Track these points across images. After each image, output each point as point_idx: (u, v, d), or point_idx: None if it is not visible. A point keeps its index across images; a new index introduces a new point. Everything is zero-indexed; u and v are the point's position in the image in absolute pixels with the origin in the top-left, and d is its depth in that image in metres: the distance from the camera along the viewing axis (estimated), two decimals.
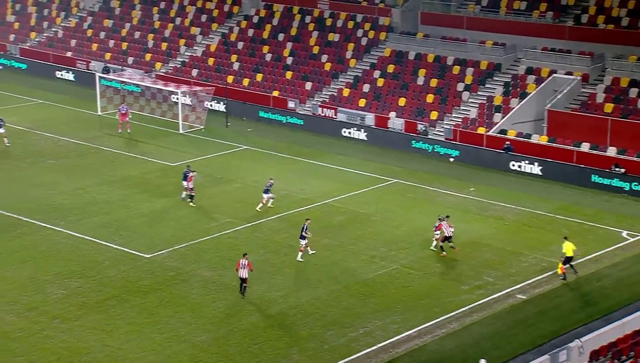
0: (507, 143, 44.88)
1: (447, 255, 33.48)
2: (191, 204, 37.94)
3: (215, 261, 32.84)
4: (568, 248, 31.81)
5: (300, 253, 32.87)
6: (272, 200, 37.76)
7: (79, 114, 52.62)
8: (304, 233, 32.74)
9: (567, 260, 31.91)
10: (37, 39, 65.02)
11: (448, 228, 33.38)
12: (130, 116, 49.20)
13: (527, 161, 44.01)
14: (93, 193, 39.55)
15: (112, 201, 38.65)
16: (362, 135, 49.09)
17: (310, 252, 33.10)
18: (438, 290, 31.09)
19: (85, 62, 60.08)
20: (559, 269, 31.98)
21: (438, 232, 33.67)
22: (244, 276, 29.48)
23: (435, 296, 30.57)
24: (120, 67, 58.11)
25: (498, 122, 47.08)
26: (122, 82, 54.74)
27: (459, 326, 28.58)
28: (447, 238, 33.45)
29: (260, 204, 37.57)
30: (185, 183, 38.28)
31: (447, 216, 33.92)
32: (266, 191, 37.58)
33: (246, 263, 29.52)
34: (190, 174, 38.20)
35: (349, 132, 49.49)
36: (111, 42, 61.99)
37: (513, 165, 44.35)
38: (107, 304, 29.27)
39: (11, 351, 26.23)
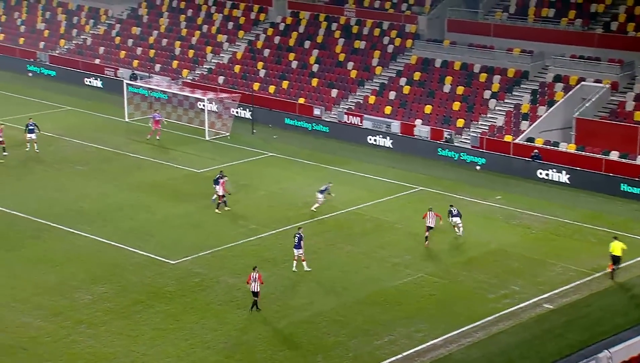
0: (535, 151, 44.51)
1: (474, 263, 33.27)
2: (217, 211, 38.04)
3: (239, 268, 32.89)
4: (615, 247, 31.78)
5: (295, 262, 32.38)
6: (318, 203, 38.01)
7: (106, 121, 53.14)
8: (296, 243, 32.04)
9: (616, 259, 31.72)
10: (66, 47, 65.82)
11: (432, 218, 34.38)
12: (165, 123, 49.52)
13: (554, 170, 43.61)
14: (119, 199, 39.86)
15: (137, 207, 38.91)
16: (387, 143, 48.98)
17: (306, 269, 32.31)
18: (464, 299, 30.85)
19: (113, 70, 60.68)
20: (609, 267, 32.04)
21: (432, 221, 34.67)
22: (256, 290, 28.97)
23: (461, 305, 30.34)
24: (147, 74, 58.60)
25: (525, 131, 46.73)
26: (150, 89, 55.18)
27: (485, 335, 28.33)
28: (428, 228, 34.47)
29: (316, 204, 38.01)
30: (217, 187, 38.47)
31: (430, 208, 35.08)
32: (321, 192, 37.99)
33: (257, 277, 28.95)
34: (223, 179, 38.32)
35: (375, 140, 49.41)
36: (139, 50, 62.57)
37: (540, 173, 43.97)
38: (132, 310, 29.43)
39: (39, 356, 26.47)
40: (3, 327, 28.08)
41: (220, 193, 38.05)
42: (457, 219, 35.56)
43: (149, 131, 49.51)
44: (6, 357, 26.35)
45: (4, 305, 29.57)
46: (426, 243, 34.70)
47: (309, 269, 32.38)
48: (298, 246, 32.27)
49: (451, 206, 36.14)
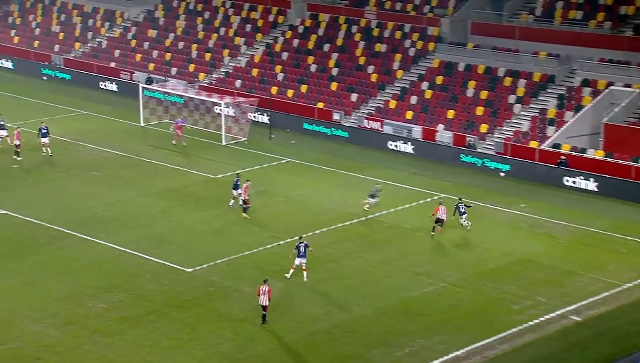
0: (563, 157, 44.25)
1: (492, 272, 33.16)
2: (244, 215, 38.16)
3: (256, 276, 32.92)
4: None
5: (291, 271, 32.32)
6: (369, 204, 38.73)
7: (121, 126, 53.52)
8: (302, 252, 31.91)
9: None
10: (81, 50, 66.42)
11: (443, 213, 35.87)
12: (188, 128, 49.67)
13: (581, 177, 43.33)
14: (135, 205, 40.10)
15: (153, 213, 39.13)
16: (408, 148, 48.92)
17: (305, 280, 32.19)
18: (487, 310, 30.71)
19: (128, 73, 61.14)
20: None
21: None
22: (265, 304, 28.76)
23: (484, 316, 30.21)
24: (163, 77, 58.98)
25: (551, 136, 46.51)
26: (166, 93, 55.54)
27: (509, 347, 28.18)
28: (438, 220, 36.12)
29: (368, 204, 38.60)
30: (235, 191, 38.62)
31: (441, 202, 36.86)
32: (372, 196, 38.56)
33: (267, 290, 28.62)
34: (246, 184, 38.38)
35: (396, 146, 49.37)
36: (155, 53, 63.01)
37: (567, 181, 43.71)
38: (147, 319, 29.58)
39: None
40: (16, 336, 28.32)
41: (245, 197, 38.12)
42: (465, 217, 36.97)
43: (171, 136, 49.65)
44: None
45: (17, 313, 29.83)
46: (433, 233, 36.17)
47: (307, 280, 32.15)
48: (303, 256, 32.05)
49: (459, 201, 37.21)
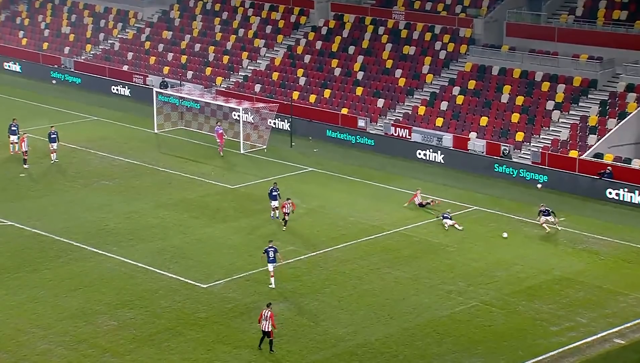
0: (608, 168, 43.93)
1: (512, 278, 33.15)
2: (284, 229, 38.50)
3: (276, 293, 33.06)
4: None
5: (272, 279, 33.25)
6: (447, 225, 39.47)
7: (134, 132, 53.97)
8: (272, 257, 33.05)
9: None
10: (92, 52, 67.10)
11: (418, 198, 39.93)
12: (225, 138, 49.67)
13: (626, 189, 43.04)
14: (148, 217, 40.40)
15: (168, 226, 39.40)
16: (438, 157, 48.87)
17: (271, 285, 33.11)
18: (523, 331, 30.57)
19: (142, 77, 61.66)
20: None
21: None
22: (267, 329, 28.47)
23: (520, 338, 30.06)
24: (178, 81, 59.43)
25: (593, 145, 46.25)
26: (181, 98, 55.94)
27: None
28: (421, 205, 40.54)
29: (448, 225, 39.49)
30: (274, 202, 39.23)
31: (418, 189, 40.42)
32: (445, 217, 39.57)
33: (269, 315, 28.42)
34: (287, 202, 38.54)
35: (425, 154, 49.34)
36: (170, 55, 63.52)
37: (610, 193, 43.43)
38: (160, 337, 29.76)
39: None
40: (22, 355, 28.59)
41: (287, 210, 38.45)
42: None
43: (185, 143, 49.93)
44: None
45: (24, 331, 30.13)
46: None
47: (273, 286, 33.07)
48: (273, 260, 33.00)
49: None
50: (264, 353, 28.86)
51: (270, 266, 33.10)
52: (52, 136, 47.25)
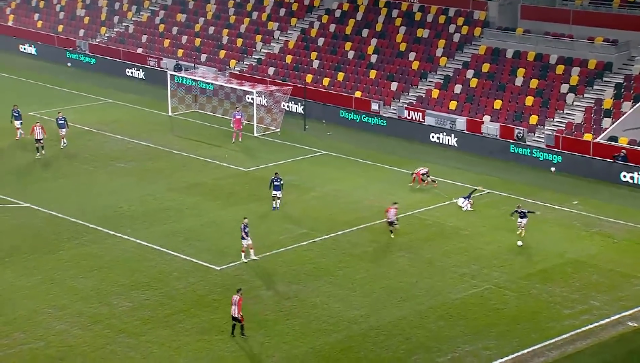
0: (623, 151, 43.63)
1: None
2: (392, 235, 36.44)
3: (289, 275, 33.11)
4: None
5: (242, 254, 33.66)
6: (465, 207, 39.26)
7: (148, 115, 54.01)
8: (243, 234, 33.45)
9: None
10: (107, 35, 67.10)
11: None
12: (244, 124, 49.00)
13: None
14: (162, 200, 40.48)
15: (182, 208, 39.47)
16: (452, 141, 48.67)
17: (252, 257, 33.63)
18: (536, 314, 30.49)
19: (156, 60, 61.62)
20: None
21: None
22: (234, 315, 28.02)
23: (533, 321, 29.99)
24: (192, 64, 59.36)
25: (607, 129, 45.93)
26: (195, 80, 55.87)
27: (559, 355, 27.96)
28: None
29: (467, 207, 39.28)
30: (276, 192, 38.46)
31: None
32: (466, 198, 39.50)
33: (237, 300, 28.02)
34: (394, 207, 36.20)
35: (438, 138, 49.14)
36: (184, 38, 63.42)
37: (624, 176, 43.14)
38: (174, 318, 29.87)
39: None
40: (39, 335, 28.81)
41: (393, 221, 36.29)
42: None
43: (199, 127, 49.83)
44: None
45: (40, 312, 30.33)
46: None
47: (257, 258, 33.57)
48: (245, 237, 33.40)
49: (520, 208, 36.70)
50: (278, 333, 28.91)
51: (244, 242, 33.49)
52: (60, 122, 46.91)
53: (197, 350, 28.00)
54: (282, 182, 38.83)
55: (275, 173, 39.50)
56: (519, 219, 36.10)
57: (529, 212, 36.49)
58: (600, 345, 28.61)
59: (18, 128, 47.81)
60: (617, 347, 28.54)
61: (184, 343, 28.36)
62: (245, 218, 34.08)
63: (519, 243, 35.65)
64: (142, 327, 29.35)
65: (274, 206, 39.01)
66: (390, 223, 36.23)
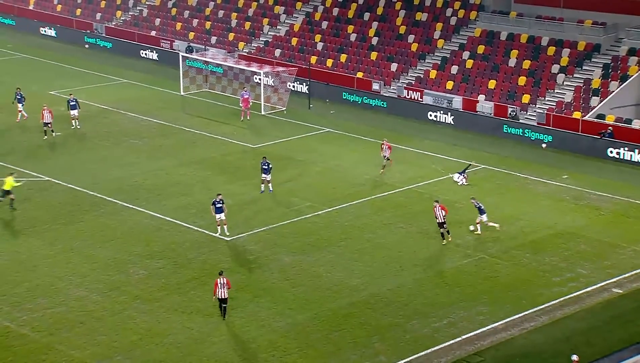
0: (609, 128, 43.45)
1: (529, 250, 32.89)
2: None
3: (295, 245, 33.14)
4: None
5: (219, 228, 33.38)
6: (461, 182, 38.65)
7: (161, 94, 53.86)
8: (216, 209, 33.07)
9: None
10: (122, 18, 66.78)
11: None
12: (250, 104, 48.42)
13: (626, 148, 42.59)
14: (174, 174, 40.46)
15: (192, 182, 39.45)
16: (449, 119, 48.48)
17: (225, 232, 33.33)
18: (527, 282, 30.52)
19: (169, 42, 61.36)
20: None
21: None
22: (224, 296, 27.35)
23: (523, 288, 30.03)
24: (203, 46, 59.08)
25: (595, 107, 45.70)
26: (205, 62, 55.65)
27: (549, 320, 28.02)
28: (440, 224, 32.87)
29: (461, 182, 38.71)
30: (265, 176, 37.20)
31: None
32: (461, 173, 38.77)
33: (225, 282, 27.33)
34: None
35: (435, 116, 48.95)
36: (195, 21, 63.08)
37: (611, 152, 43.00)
38: (187, 286, 29.96)
39: (95, 330, 27.19)
40: (60, 301, 28.94)
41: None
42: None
43: (209, 105, 49.69)
44: (64, 331, 27.16)
45: (61, 278, 30.46)
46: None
47: (228, 234, 33.18)
48: (219, 211, 33.03)
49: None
50: (284, 300, 28.99)
51: (217, 216, 33.16)
52: (72, 104, 46.05)
53: (208, 316, 28.09)
54: (270, 166, 37.53)
55: (264, 157, 38.13)
56: (479, 216, 33.57)
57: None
58: (587, 310, 28.65)
59: (20, 110, 46.89)
60: (602, 312, 28.58)
61: (196, 310, 28.46)
62: (219, 194, 33.50)
63: (471, 227, 33.72)
64: (156, 293, 29.46)
65: (262, 189, 37.79)
66: (441, 225, 32.93)
